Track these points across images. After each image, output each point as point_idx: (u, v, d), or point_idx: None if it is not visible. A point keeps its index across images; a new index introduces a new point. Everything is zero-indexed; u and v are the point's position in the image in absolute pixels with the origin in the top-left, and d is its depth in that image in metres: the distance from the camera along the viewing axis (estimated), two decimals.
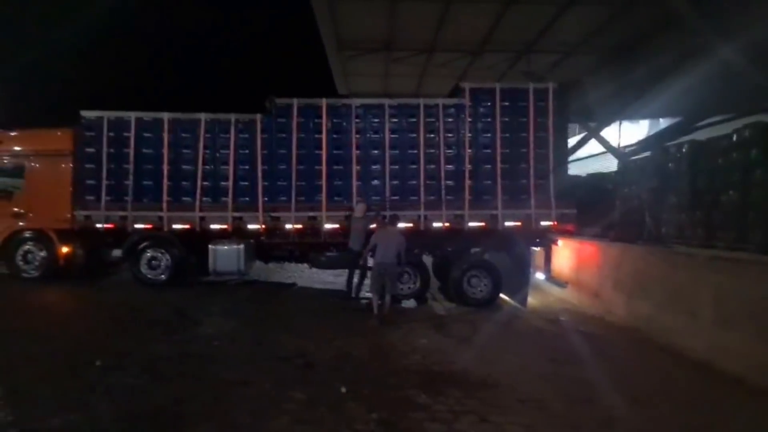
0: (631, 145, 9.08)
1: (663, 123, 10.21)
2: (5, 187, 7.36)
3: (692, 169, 6.13)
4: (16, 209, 7.03)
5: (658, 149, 7.27)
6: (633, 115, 10.51)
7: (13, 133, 7.41)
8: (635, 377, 3.95)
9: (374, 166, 6.70)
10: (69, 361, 3.79)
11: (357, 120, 6.71)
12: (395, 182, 6.67)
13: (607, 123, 9.38)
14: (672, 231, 6.38)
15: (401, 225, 6.15)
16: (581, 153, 10.03)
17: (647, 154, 7.71)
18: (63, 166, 6.99)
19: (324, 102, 6.73)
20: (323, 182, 6.64)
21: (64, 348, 4.14)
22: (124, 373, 3.58)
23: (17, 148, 7.22)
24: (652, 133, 10.02)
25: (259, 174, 6.69)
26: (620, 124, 11.12)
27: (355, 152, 6.66)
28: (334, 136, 6.71)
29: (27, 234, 7.01)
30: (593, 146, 10.16)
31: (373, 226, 6.12)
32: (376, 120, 6.73)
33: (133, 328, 4.97)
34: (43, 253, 6.99)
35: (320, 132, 6.67)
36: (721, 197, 5.50)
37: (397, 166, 6.68)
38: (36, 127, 7.43)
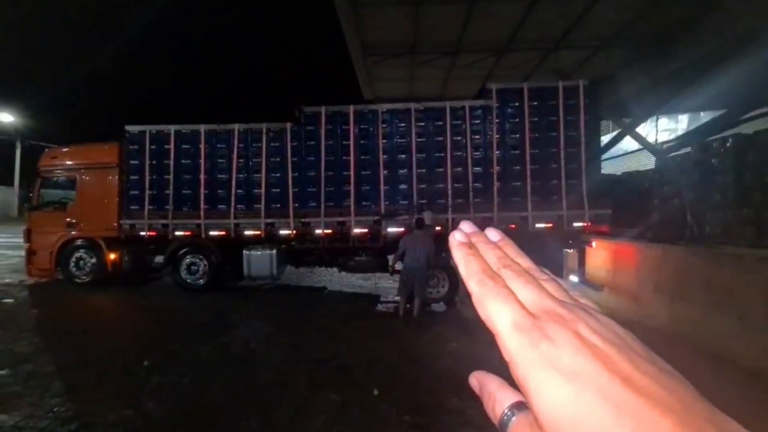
0: (670, 141, 8.67)
1: (704, 117, 9.69)
2: (60, 199, 7.99)
3: (738, 164, 5.79)
4: (68, 219, 7.57)
5: (700, 144, 6.90)
6: (671, 110, 10.03)
7: (65, 149, 8.03)
8: None
9: (401, 171, 6.74)
10: (120, 361, 4.06)
11: (383, 125, 6.79)
12: (422, 186, 6.69)
13: (643, 119, 9.00)
14: (717, 230, 6.04)
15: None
16: (615, 150, 9.67)
17: (687, 150, 7.34)
18: (110, 178, 7.47)
19: (351, 108, 6.85)
20: (351, 188, 6.75)
21: (115, 349, 4.44)
22: (169, 373, 3.80)
23: (69, 163, 7.78)
24: (692, 128, 9.52)
25: (290, 181, 6.89)
26: (657, 119, 10.64)
27: (382, 157, 6.74)
28: (362, 141, 6.81)
29: (79, 242, 7.53)
30: (628, 143, 9.78)
31: (401, 230, 6.15)
32: (402, 124, 6.78)
33: (176, 330, 5.25)
34: (93, 260, 7.49)
35: (348, 138, 6.79)
36: None
37: (424, 170, 6.70)
38: (86, 142, 8.01)
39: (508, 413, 0.29)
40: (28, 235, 7.59)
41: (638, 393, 0.23)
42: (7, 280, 7.85)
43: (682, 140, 7.97)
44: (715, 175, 6.22)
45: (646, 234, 6.85)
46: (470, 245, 0.32)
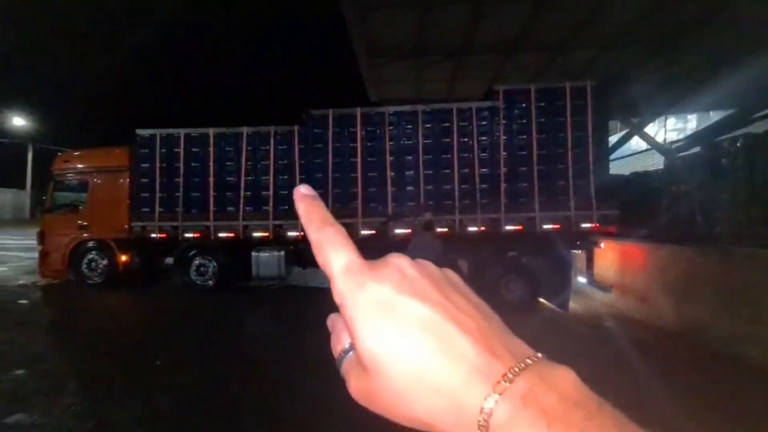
0: (678, 141, 8.60)
1: (714, 116, 9.60)
2: (72, 201, 8.14)
3: (749, 163, 5.74)
4: (80, 221, 7.71)
5: (710, 144, 6.84)
6: (680, 110, 9.94)
7: (77, 153, 8.18)
8: (696, 388, 3.75)
9: (408, 172, 6.77)
10: (133, 360, 4.14)
11: (390, 127, 6.82)
12: (429, 187, 6.71)
13: (651, 119, 8.95)
14: (726, 230, 5.98)
15: (437, 230, 6.16)
16: (623, 150, 9.61)
17: (697, 149, 7.28)
18: (121, 181, 7.60)
19: (358, 111, 6.89)
20: (359, 189, 6.79)
21: (128, 348, 4.52)
22: (181, 372, 3.86)
23: (81, 166, 7.92)
24: (701, 127, 9.43)
25: (297, 183, 6.88)
26: (665, 119, 10.56)
27: (389, 159, 6.77)
28: (369, 143, 6.85)
29: (91, 244, 7.66)
30: (636, 143, 9.71)
31: (408, 231, 6.17)
32: (409, 126, 6.81)
33: (187, 330, 5.33)
34: (104, 262, 7.61)
35: (355, 140, 6.83)
36: None
37: (431, 171, 6.72)
38: (97, 146, 8.15)
39: (344, 353, 0.32)
40: (41, 237, 7.74)
41: (445, 316, 0.27)
42: (21, 281, 8.01)
43: (691, 140, 7.90)
44: (725, 175, 6.17)
45: (654, 234, 6.81)
46: (314, 197, 0.34)
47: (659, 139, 9.66)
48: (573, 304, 6.57)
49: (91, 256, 7.65)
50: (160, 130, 7.27)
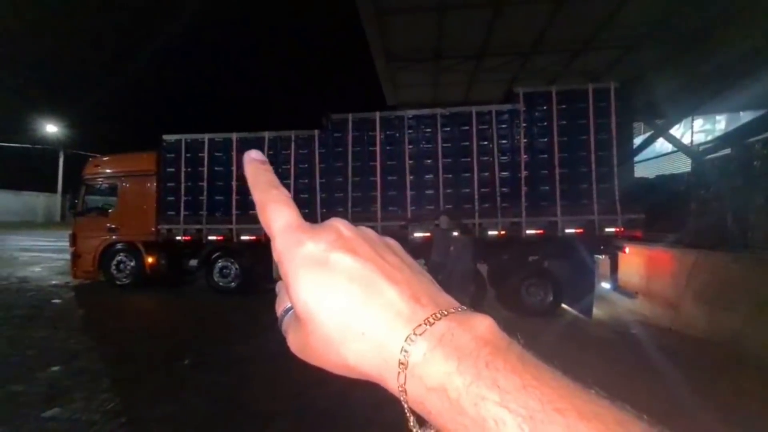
0: (707, 143, 8.33)
1: (744, 117, 9.26)
2: (102, 205, 8.46)
3: None
4: (110, 224, 7.99)
5: (741, 145, 6.62)
6: (708, 110, 9.64)
7: (107, 158, 8.51)
8: (731, 401, 3.62)
9: (428, 176, 6.77)
10: (162, 359, 4.26)
11: (410, 131, 6.84)
12: (449, 191, 6.69)
13: (677, 120, 8.70)
14: (760, 235, 5.76)
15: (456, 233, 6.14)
16: (648, 153, 9.38)
17: (727, 151, 7.05)
18: (148, 185, 7.85)
19: (377, 115, 6.94)
20: (378, 193, 6.83)
21: (156, 347, 4.66)
22: (208, 371, 3.96)
23: (111, 171, 8.23)
24: (731, 128, 9.12)
25: (317, 187, 7.05)
26: (692, 120, 10.25)
27: (408, 162, 6.79)
28: (388, 147, 6.88)
29: (119, 246, 7.92)
30: (661, 145, 9.46)
31: (428, 234, 6.17)
32: (428, 130, 6.81)
33: (213, 331, 5.46)
34: (132, 263, 7.87)
35: (374, 144, 6.88)
36: None
37: (450, 175, 6.70)
38: (126, 151, 8.46)
39: (285, 312, 0.34)
40: (73, 239, 8.05)
41: (375, 269, 0.28)
42: (54, 282, 8.34)
43: (720, 142, 7.65)
44: (757, 178, 5.95)
45: (683, 239, 6.61)
46: (263, 162, 0.36)
47: (686, 141, 9.37)
48: (597, 310, 6.42)
49: (119, 257, 7.91)
50: (185, 135, 7.49)
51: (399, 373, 0.25)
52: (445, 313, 0.27)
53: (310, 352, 0.29)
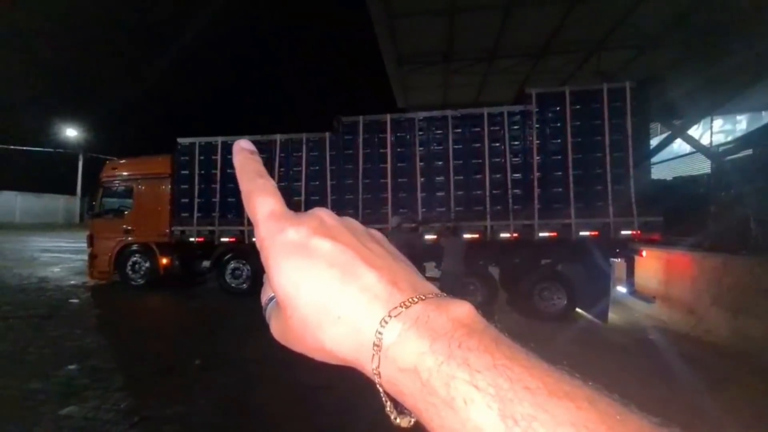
0: (727, 143, 8.09)
1: (766, 116, 8.97)
2: (118, 206, 8.64)
3: None
4: (125, 226, 8.16)
5: (763, 146, 6.40)
6: (727, 110, 9.37)
7: (123, 161, 8.70)
8: (756, 410, 3.48)
9: (438, 178, 6.73)
10: (173, 360, 4.31)
11: (420, 133, 6.82)
12: (460, 193, 6.64)
13: (695, 120, 8.47)
14: None
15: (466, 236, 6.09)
16: (665, 154, 9.15)
17: (748, 152, 6.83)
18: (163, 187, 7.99)
19: (388, 117, 6.94)
20: (389, 195, 6.82)
21: (168, 348, 4.72)
22: (218, 372, 3.98)
23: (127, 173, 8.40)
24: (752, 128, 8.84)
25: (328, 189, 7.07)
26: (711, 120, 9.98)
27: (419, 165, 6.76)
28: (399, 149, 6.87)
29: (134, 247, 8.08)
30: (679, 146, 9.22)
31: (434, 237, 6.13)
32: (439, 132, 6.78)
33: (224, 332, 5.49)
34: (147, 264, 8.01)
35: (385, 147, 6.88)
36: None
37: (461, 177, 6.65)
38: (143, 154, 8.63)
39: (269, 300, 0.34)
40: (91, 241, 8.24)
41: (355, 255, 0.28)
42: (72, 282, 8.54)
43: (741, 142, 7.41)
44: None
45: (703, 243, 6.41)
46: (252, 152, 0.35)
47: (704, 141, 9.12)
48: (613, 315, 6.28)
49: (134, 258, 8.06)
50: (199, 138, 7.61)
51: (373, 355, 0.25)
52: (423, 297, 0.26)
53: (290, 337, 0.29)
